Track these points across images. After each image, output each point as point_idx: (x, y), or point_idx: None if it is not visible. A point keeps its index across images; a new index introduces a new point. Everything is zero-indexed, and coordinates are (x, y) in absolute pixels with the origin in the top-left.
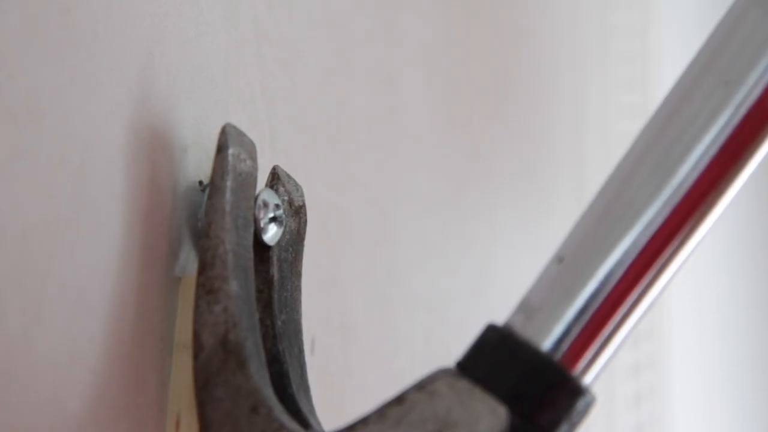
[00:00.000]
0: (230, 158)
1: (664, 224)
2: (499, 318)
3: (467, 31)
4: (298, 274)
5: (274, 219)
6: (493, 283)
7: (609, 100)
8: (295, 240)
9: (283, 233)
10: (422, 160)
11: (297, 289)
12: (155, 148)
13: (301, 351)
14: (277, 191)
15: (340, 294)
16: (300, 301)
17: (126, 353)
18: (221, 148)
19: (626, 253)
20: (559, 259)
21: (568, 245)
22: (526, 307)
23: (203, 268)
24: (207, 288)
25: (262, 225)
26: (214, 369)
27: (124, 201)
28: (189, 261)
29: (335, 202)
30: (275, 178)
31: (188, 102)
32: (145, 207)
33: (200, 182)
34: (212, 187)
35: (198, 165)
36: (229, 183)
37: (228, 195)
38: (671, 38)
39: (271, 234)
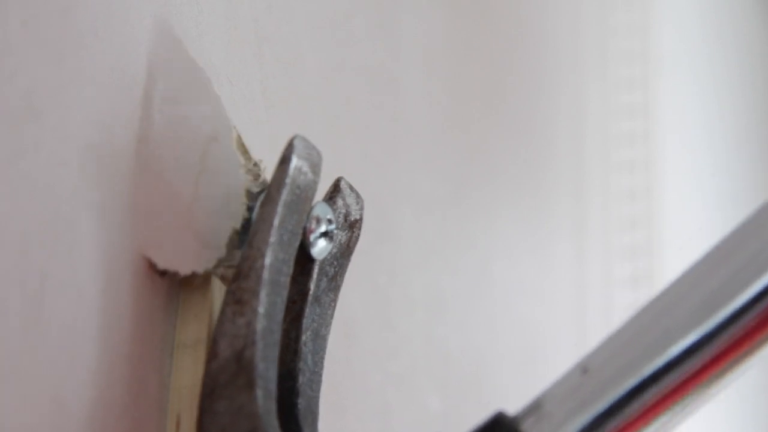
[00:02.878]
0: (291, 171)
1: (697, 361)
2: (499, 316)
3: (467, 31)
4: (337, 288)
5: (324, 234)
6: (493, 283)
7: (609, 100)
8: (342, 254)
9: (332, 248)
10: (422, 160)
11: (332, 304)
12: (156, 147)
13: (320, 368)
14: (335, 203)
15: (340, 294)
16: (332, 317)
17: (126, 353)
18: (284, 160)
19: (652, 380)
20: (583, 369)
21: (596, 358)
22: (538, 408)
23: (237, 276)
24: (236, 297)
25: (311, 239)
26: (222, 381)
27: (124, 201)
28: (203, 258)
29: None
30: (336, 190)
31: (188, 102)
32: (145, 207)
33: (258, 174)
34: (267, 197)
35: (205, 164)
36: (283, 196)
37: (280, 208)
38: (671, 38)
39: (319, 249)
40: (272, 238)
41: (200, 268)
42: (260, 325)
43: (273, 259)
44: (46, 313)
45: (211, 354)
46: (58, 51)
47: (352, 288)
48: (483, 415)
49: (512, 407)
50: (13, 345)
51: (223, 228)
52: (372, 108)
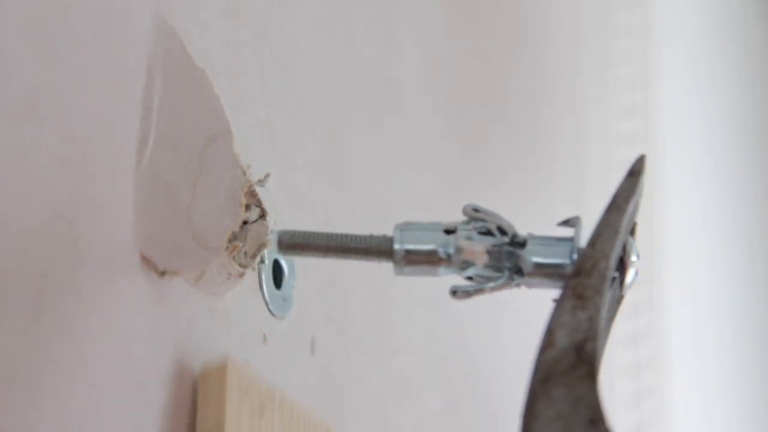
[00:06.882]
0: (641, 185)
1: None
2: (499, 316)
3: (467, 31)
4: (611, 320)
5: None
6: None
7: (609, 100)
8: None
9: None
10: (422, 160)
11: (608, 332)
12: (155, 147)
13: None
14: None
15: (340, 294)
16: (605, 344)
17: (126, 353)
18: (635, 173)
19: None
20: None
21: None
22: None
23: (578, 273)
24: (577, 293)
25: (629, 263)
26: (559, 369)
27: (124, 200)
28: (201, 259)
29: (335, 202)
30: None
31: (187, 103)
32: (144, 207)
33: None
34: (613, 204)
35: (204, 165)
36: (630, 207)
37: (626, 218)
38: (671, 38)
39: (630, 277)
40: (616, 244)
41: (199, 269)
42: (601, 321)
43: (612, 264)
44: (45, 313)
45: (547, 342)
46: (57, 51)
47: (352, 288)
48: (482, 414)
49: (511, 407)
50: (13, 345)
51: (221, 229)
52: (372, 108)
